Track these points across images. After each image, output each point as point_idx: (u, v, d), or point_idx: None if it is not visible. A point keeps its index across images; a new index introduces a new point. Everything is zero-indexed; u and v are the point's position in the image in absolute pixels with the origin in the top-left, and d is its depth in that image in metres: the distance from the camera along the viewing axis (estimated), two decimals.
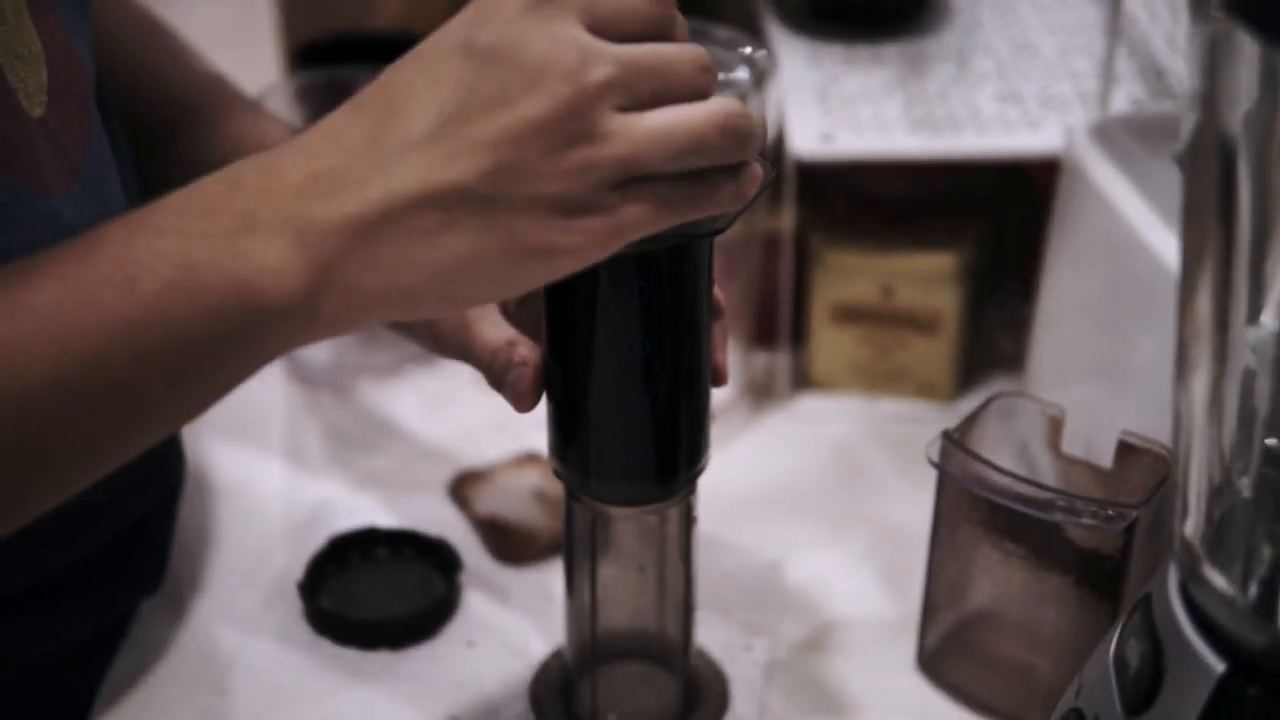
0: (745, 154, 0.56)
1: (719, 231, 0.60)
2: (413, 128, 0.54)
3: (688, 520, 0.70)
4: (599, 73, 0.53)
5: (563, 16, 0.53)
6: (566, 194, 0.53)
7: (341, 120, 0.56)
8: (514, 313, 0.68)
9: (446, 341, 0.68)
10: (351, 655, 0.78)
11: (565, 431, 0.66)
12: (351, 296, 0.54)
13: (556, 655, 0.76)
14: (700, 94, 0.55)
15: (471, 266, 0.54)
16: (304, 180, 0.54)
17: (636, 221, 0.55)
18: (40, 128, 0.63)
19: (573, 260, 0.55)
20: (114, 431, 0.55)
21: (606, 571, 0.71)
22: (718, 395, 0.67)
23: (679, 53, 0.55)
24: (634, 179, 0.54)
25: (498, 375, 0.66)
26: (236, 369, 0.55)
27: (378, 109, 0.55)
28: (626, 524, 0.70)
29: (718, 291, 0.66)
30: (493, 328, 0.66)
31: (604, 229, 0.54)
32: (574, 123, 0.52)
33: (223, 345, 0.54)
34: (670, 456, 0.66)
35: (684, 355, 0.64)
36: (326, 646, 0.79)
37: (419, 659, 0.78)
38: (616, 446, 0.65)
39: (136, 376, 0.53)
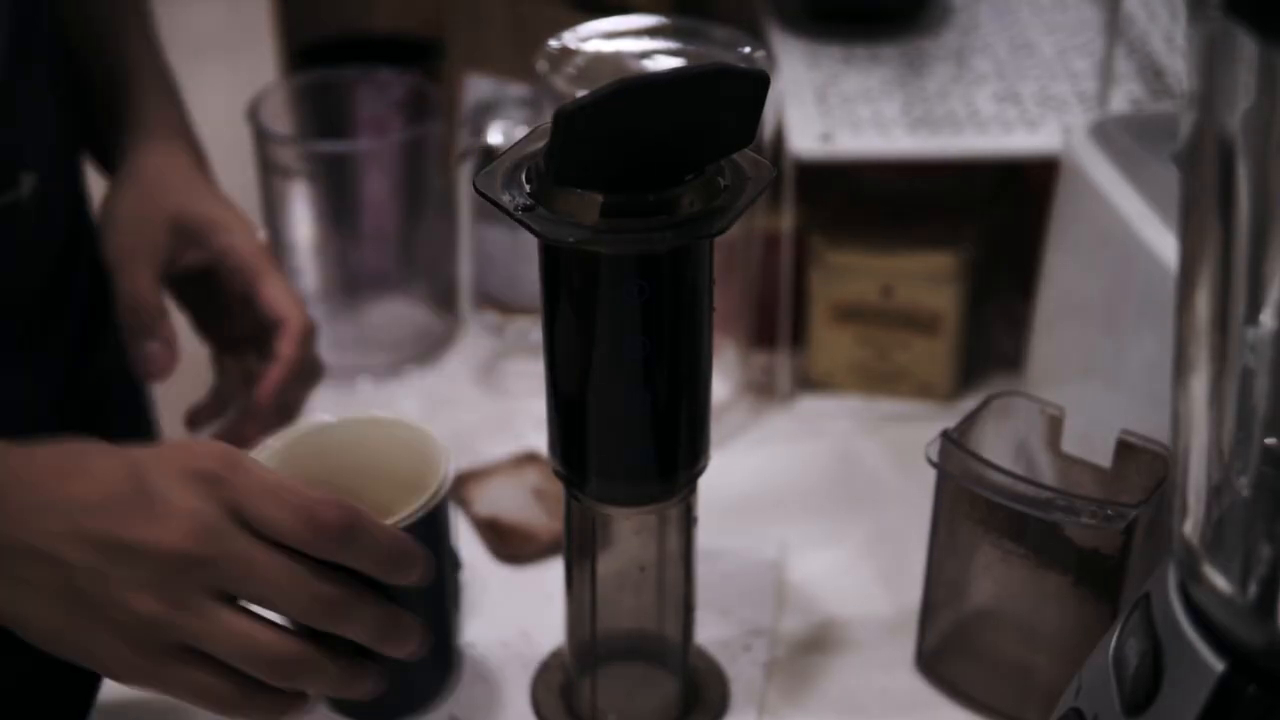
0: (292, 685, 0.63)
1: (719, 232, 0.60)
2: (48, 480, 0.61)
3: (688, 520, 0.70)
4: (209, 548, 0.59)
5: (210, 493, 0.60)
6: (134, 635, 0.60)
7: None
8: (165, 282, 0.80)
9: (119, 285, 0.78)
10: None
11: (565, 431, 0.66)
12: None
13: (556, 655, 0.76)
14: (294, 609, 0.62)
15: (35, 612, 0.61)
16: None
17: (178, 688, 0.61)
18: None
19: (108, 662, 0.61)
20: None
21: (606, 571, 0.71)
22: (718, 395, 0.68)
23: (289, 576, 0.61)
24: (194, 651, 0.60)
25: (138, 332, 0.75)
26: None
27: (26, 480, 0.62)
28: (626, 524, 0.70)
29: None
30: (145, 280, 0.77)
31: (149, 677, 0.61)
32: (171, 575, 0.59)
33: None
34: (670, 456, 0.66)
35: (684, 355, 0.64)
36: None
37: None
38: (616, 446, 0.65)
39: None
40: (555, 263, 0.62)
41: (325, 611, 0.62)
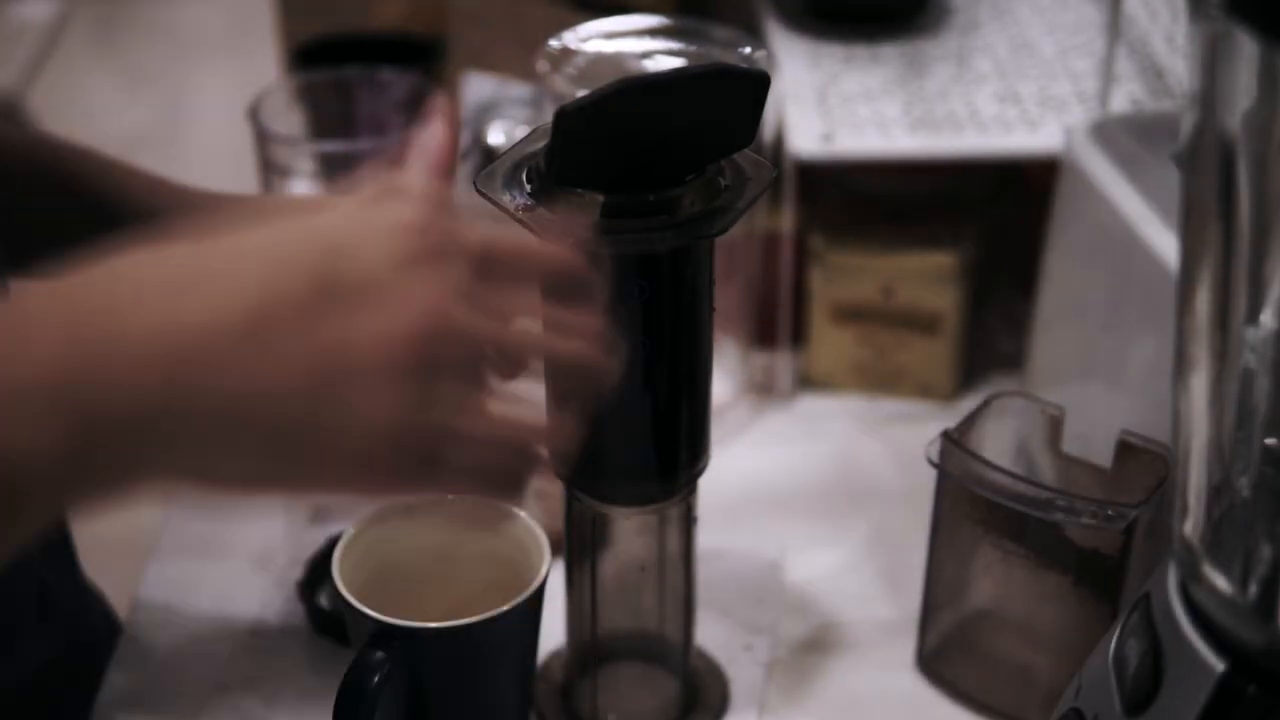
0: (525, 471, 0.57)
1: (720, 232, 0.60)
2: (234, 316, 0.50)
3: (688, 520, 0.70)
4: (443, 327, 0.52)
5: (436, 275, 0.52)
6: (372, 449, 0.52)
7: (144, 265, 0.51)
8: None
9: None
10: (351, 655, 0.78)
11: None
12: (111, 466, 0.50)
13: (556, 655, 0.76)
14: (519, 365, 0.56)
15: (240, 468, 0.52)
16: (80, 323, 0.49)
17: (416, 489, 0.56)
18: None
19: (336, 489, 0.55)
20: None
21: (607, 571, 0.71)
22: (718, 395, 0.68)
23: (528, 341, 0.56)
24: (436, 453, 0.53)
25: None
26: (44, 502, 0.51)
27: (197, 268, 0.51)
28: (627, 524, 0.70)
29: None
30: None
31: (386, 485, 0.54)
32: (407, 380, 0.51)
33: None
34: (671, 456, 0.66)
35: (685, 355, 0.64)
36: (327, 646, 0.79)
37: None
38: (617, 446, 0.65)
39: None
40: None
41: (597, 347, 0.56)
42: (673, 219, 0.59)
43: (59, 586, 0.77)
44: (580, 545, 0.70)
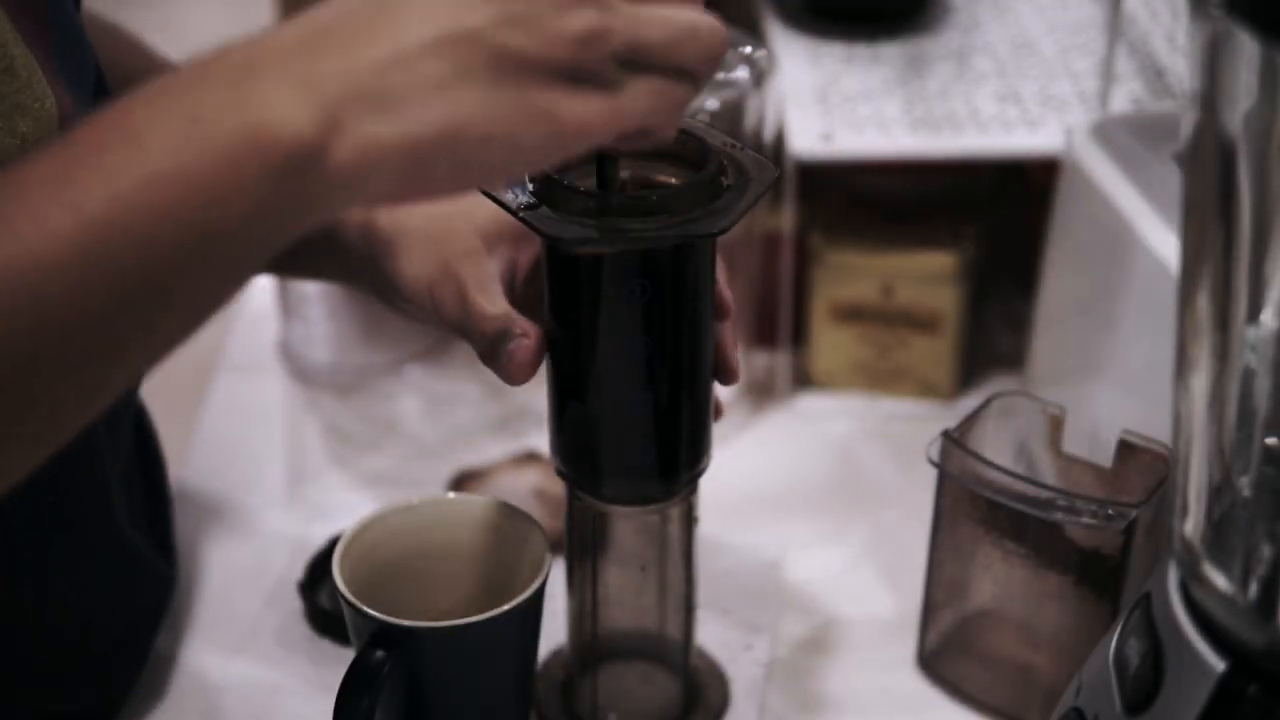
0: (711, 66, 0.56)
1: (722, 232, 0.60)
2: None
3: (689, 520, 0.70)
4: None
5: None
6: (575, 59, 0.53)
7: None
8: (519, 293, 0.67)
9: (446, 311, 0.66)
10: (351, 655, 0.78)
11: (568, 430, 0.66)
12: (362, 146, 0.51)
13: (557, 654, 0.76)
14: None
15: (479, 122, 0.52)
16: (303, 38, 0.52)
17: (636, 107, 0.54)
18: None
19: (576, 136, 0.54)
20: (136, 315, 0.51)
21: (607, 571, 0.71)
22: (718, 395, 0.68)
23: None
24: (635, 65, 0.54)
25: (494, 345, 0.65)
26: (253, 234, 0.51)
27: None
28: (628, 523, 0.70)
29: (725, 290, 0.66)
30: (491, 302, 0.66)
31: (607, 107, 0.54)
32: None
33: (237, 199, 0.50)
34: (672, 456, 0.66)
35: (686, 355, 0.64)
36: (327, 646, 0.79)
37: None
38: (619, 446, 0.65)
39: (155, 235, 0.50)
40: (557, 261, 0.63)
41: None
42: (674, 219, 0.59)
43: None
44: (581, 544, 0.70)
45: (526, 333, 0.64)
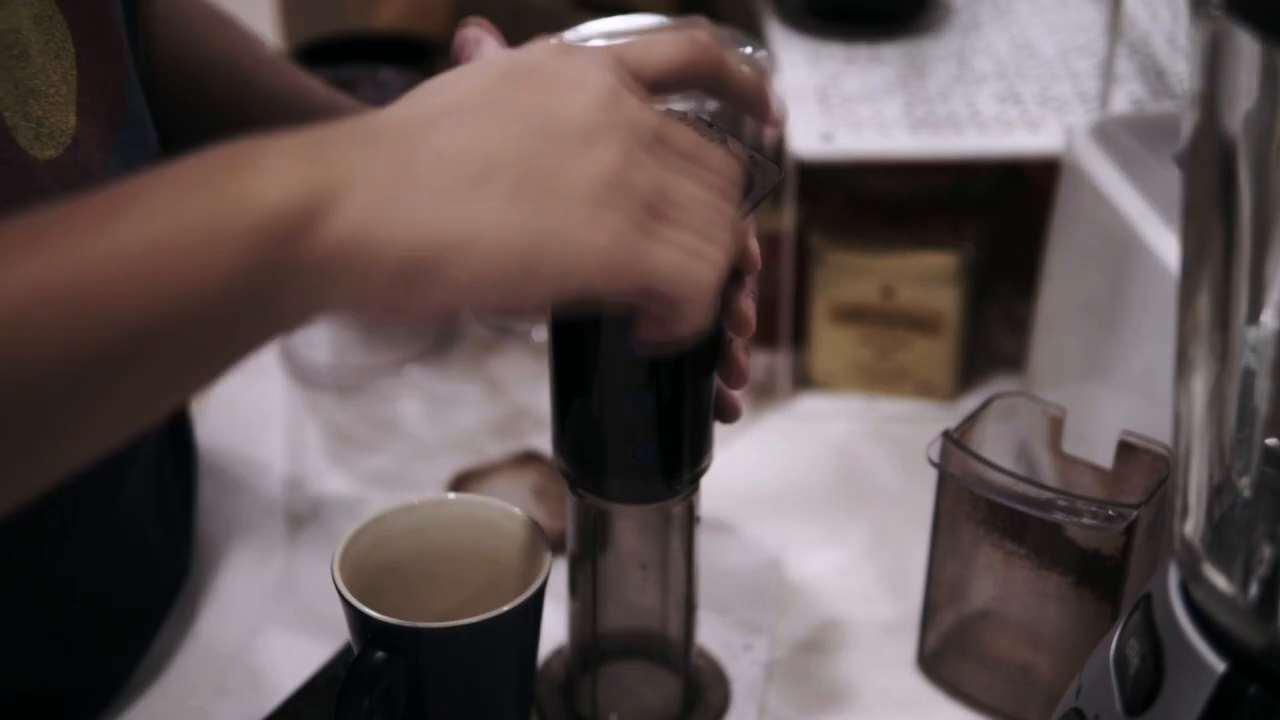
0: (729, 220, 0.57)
1: None
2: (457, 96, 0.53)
3: (690, 519, 0.70)
4: (631, 107, 0.54)
5: (597, 60, 0.55)
6: (606, 184, 0.52)
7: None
8: None
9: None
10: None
11: (569, 430, 0.66)
12: (355, 232, 0.49)
13: (558, 654, 0.76)
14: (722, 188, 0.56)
15: (492, 234, 0.51)
16: (330, 130, 0.51)
17: (664, 256, 0.53)
18: (49, 171, 0.61)
19: (591, 265, 0.52)
20: (86, 392, 0.47)
21: (608, 570, 0.71)
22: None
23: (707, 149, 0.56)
24: (666, 218, 0.54)
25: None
26: (226, 321, 0.48)
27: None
28: (629, 522, 0.70)
29: (748, 309, 0.65)
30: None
31: (628, 242, 0.53)
32: (609, 131, 0.53)
33: (210, 274, 0.47)
34: (674, 454, 0.66)
35: (689, 354, 0.64)
36: (326, 647, 0.79)
37: None
38: (620, 444, 0.65)
39: (114, 309, 0.46)
40: None
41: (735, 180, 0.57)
42: None
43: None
44: (582, 543, 0.70)
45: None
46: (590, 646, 0.73)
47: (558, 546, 0.70)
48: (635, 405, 0.64)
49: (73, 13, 0.63)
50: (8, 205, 0.50)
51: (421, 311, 0.52)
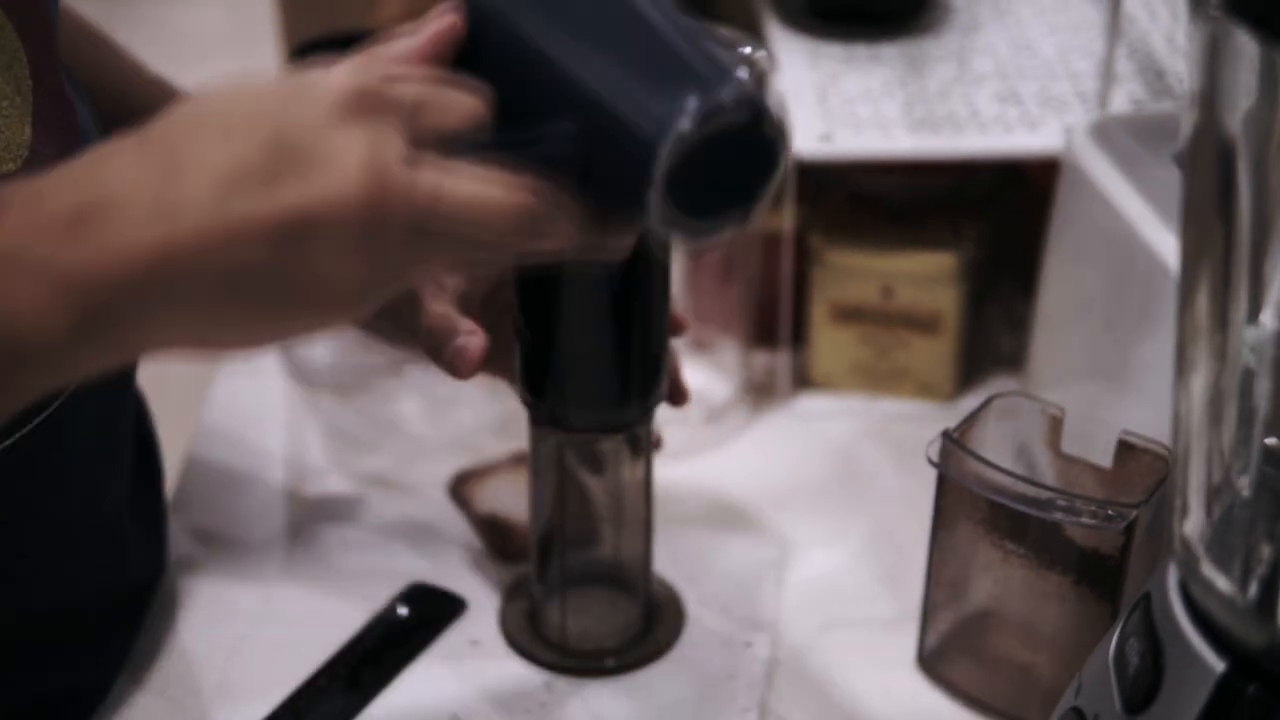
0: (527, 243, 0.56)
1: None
2: (200, 182, 0.52)
3: (646, 448, 0.74)
4: (390, 186, 0.52)
5: (377, 131, 0.52)
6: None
7: (117, 155, 0.53)
8: (477, 312, 0.71)
9: (399, 311, 0.67)
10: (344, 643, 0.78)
11: (532, 361, 0.70)
12: (118, 333, 0.51)
13: (523, 584, 0.80)
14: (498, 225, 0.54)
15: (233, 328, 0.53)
16: (70, 214, 0.51)
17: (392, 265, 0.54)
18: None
19: (348, 304, 0.54)
20: None
21: (570, 499, 0.75)
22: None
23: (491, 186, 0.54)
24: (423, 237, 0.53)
25: (442, 340, 0.67)
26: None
27: (161, 151, 0.53)
28: (588, 451, 0.74)
29: (678, 311, 0.72)
30: (441, 303, 0.68)
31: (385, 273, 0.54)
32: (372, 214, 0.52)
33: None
34: (624, 385, 0.70)
35: (648, 295, 0.68)
36: (326, 646, 0.79)
37: (421, 657, 0.78)
38: (579, 375, 0.69)
39: None
40: None
41: (532, 221, 0.54)
42: None
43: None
44: (544, 471, 0.74)
45: (474, 332, 0.67)
46: (555, 574, 0.76)
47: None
48: (589, 336, 0.68)
49: (20, 20, 0.62)
50: None
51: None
